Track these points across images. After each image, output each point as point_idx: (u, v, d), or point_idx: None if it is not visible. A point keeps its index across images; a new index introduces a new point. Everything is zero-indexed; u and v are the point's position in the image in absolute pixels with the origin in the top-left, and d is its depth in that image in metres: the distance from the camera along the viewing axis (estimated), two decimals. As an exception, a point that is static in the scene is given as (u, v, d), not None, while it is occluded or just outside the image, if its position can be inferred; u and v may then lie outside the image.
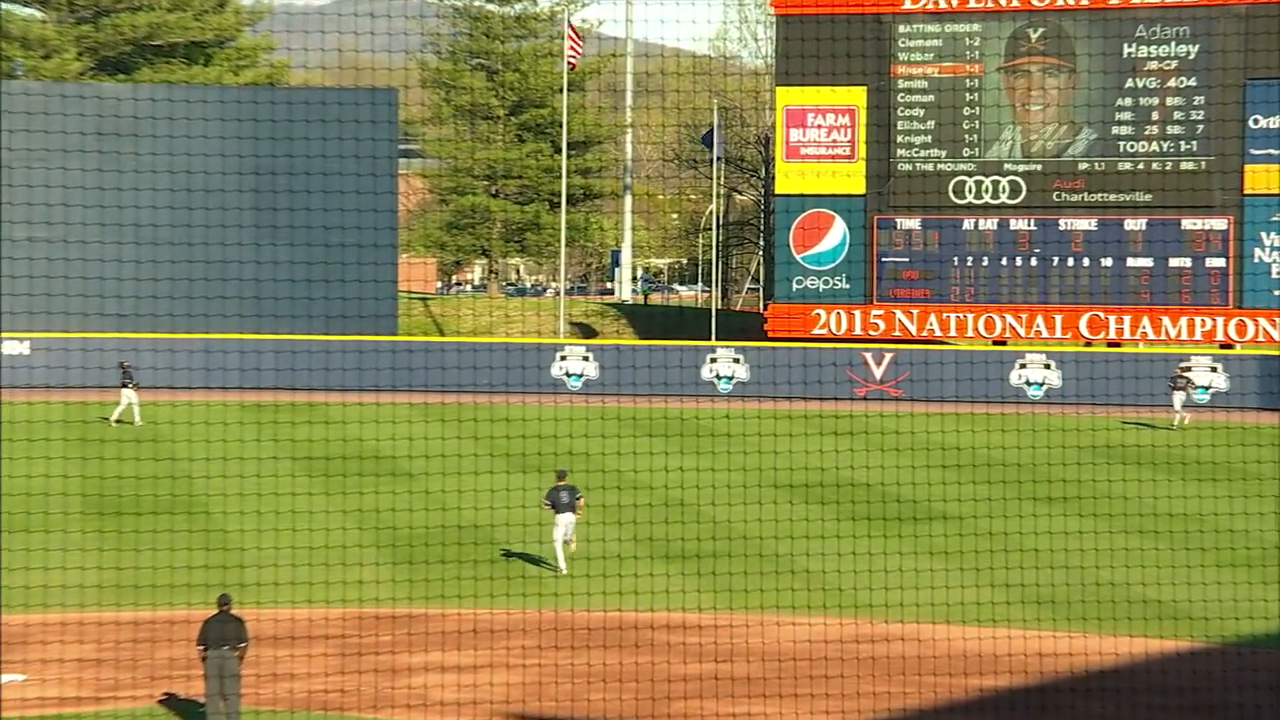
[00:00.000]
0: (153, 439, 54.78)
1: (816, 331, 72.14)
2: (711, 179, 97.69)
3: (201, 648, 24.15)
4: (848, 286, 72.34)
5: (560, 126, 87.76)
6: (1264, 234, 69.08)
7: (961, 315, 71.62)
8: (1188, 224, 69.82)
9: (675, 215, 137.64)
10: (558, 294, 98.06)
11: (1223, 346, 69.85)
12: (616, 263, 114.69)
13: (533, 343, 75.98)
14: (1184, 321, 69.82)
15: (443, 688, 26.98)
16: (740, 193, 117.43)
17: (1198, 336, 69.80)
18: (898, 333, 71.85)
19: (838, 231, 72.53)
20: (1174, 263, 69.85)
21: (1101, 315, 70.53)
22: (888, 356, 70.39)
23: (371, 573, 35.12)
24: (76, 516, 39.64)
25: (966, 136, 71.67)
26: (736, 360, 71.45)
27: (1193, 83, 69.60)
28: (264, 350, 65.72)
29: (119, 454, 41.32)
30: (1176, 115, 69.85)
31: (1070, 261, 70.69)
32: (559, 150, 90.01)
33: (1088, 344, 73.23)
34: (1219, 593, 31.87)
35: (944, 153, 71.83)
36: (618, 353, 71.78)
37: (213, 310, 68.79)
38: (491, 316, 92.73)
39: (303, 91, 78.54)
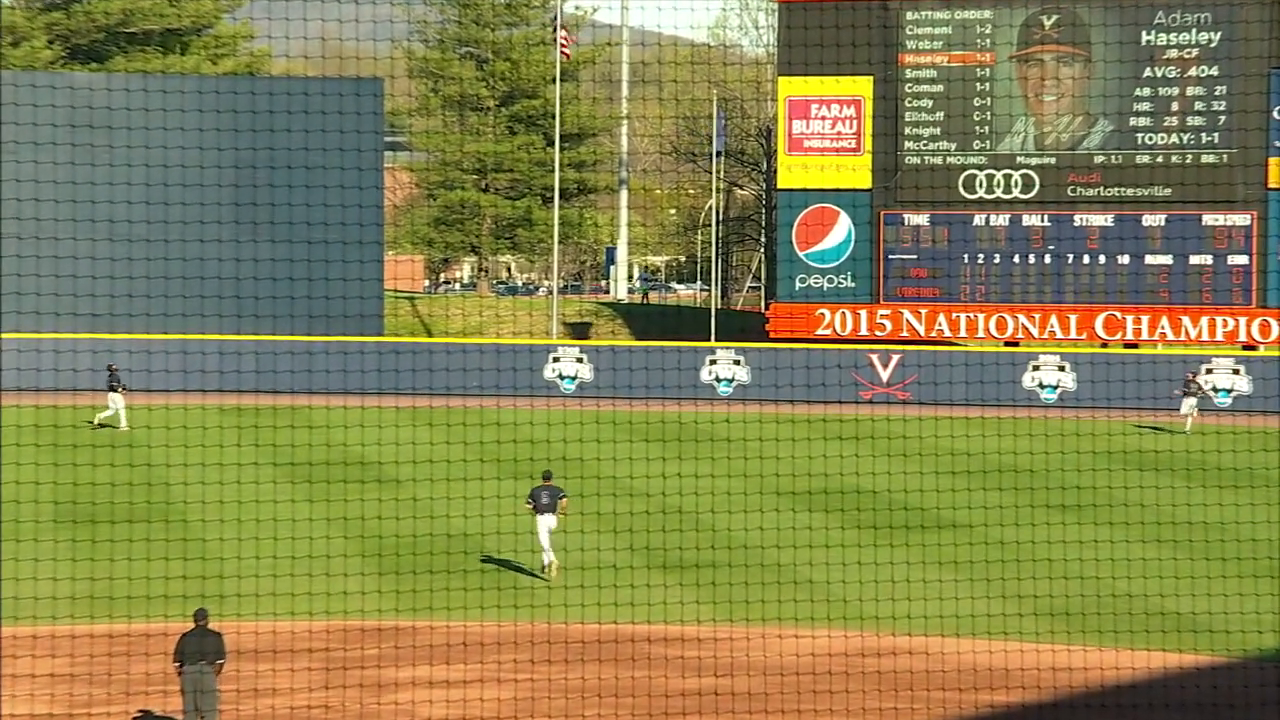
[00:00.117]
0: (128, 444, 54.77)
1: (820, 332, 72.19)
2: (711, 173, 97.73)
3: (177, 664, 24.18)
4: (853, 285, 72.38)
5: (553, 118, 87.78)
6: (1288, 230, 69.22)
7: (972, 315, 71.69)
8: (1209, 219, 69.90)
9: (673, 211, 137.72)
10: (550, 293, 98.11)
11: (1245, 348, 69.92)
12: (611, 260, 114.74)
13: (524, 344, 76.03)
14: (1204, 321, 69.90)
15: (430, 703, 27.02)
16: (741, 187, 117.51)
17: (1219, 337, 69.88)
18: (905, 333, 71.91)
19: (842, 228, 72.59)
20: (1194, 260, 69.94)
21: (1118, 315, 70.60)
22: (895, 358, 70.44)
23: (356, 583, 35.16)
24: (48, 525, 39.67)
25: (977, 128, 71.73)
26: (737, 362, 71.50)
27: (1214, 72, 69.69)
28: (244, 351, 65.72)
29: (92, 460, 41.29)
30: (1197, 106, 69.95)
31: (1085, 259, 70.76)
32: (552, 143, 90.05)
33: (1104, 345, 73.30)
34: (1240, 604, 31.93)
35: (954, 145, 71.89)
36: (613, 354, 71.79)
37: (190, 310, 68.77)
38: (481, 316, 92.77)
39: (284, 81, 78.57)
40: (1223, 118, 69.65)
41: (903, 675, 28.30)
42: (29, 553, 34.87)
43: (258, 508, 39.53)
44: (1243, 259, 69.63)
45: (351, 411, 62.73)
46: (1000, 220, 71.49)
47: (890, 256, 72.13)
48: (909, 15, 71.80)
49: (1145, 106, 70.38)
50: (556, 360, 72.22)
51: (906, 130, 72.05)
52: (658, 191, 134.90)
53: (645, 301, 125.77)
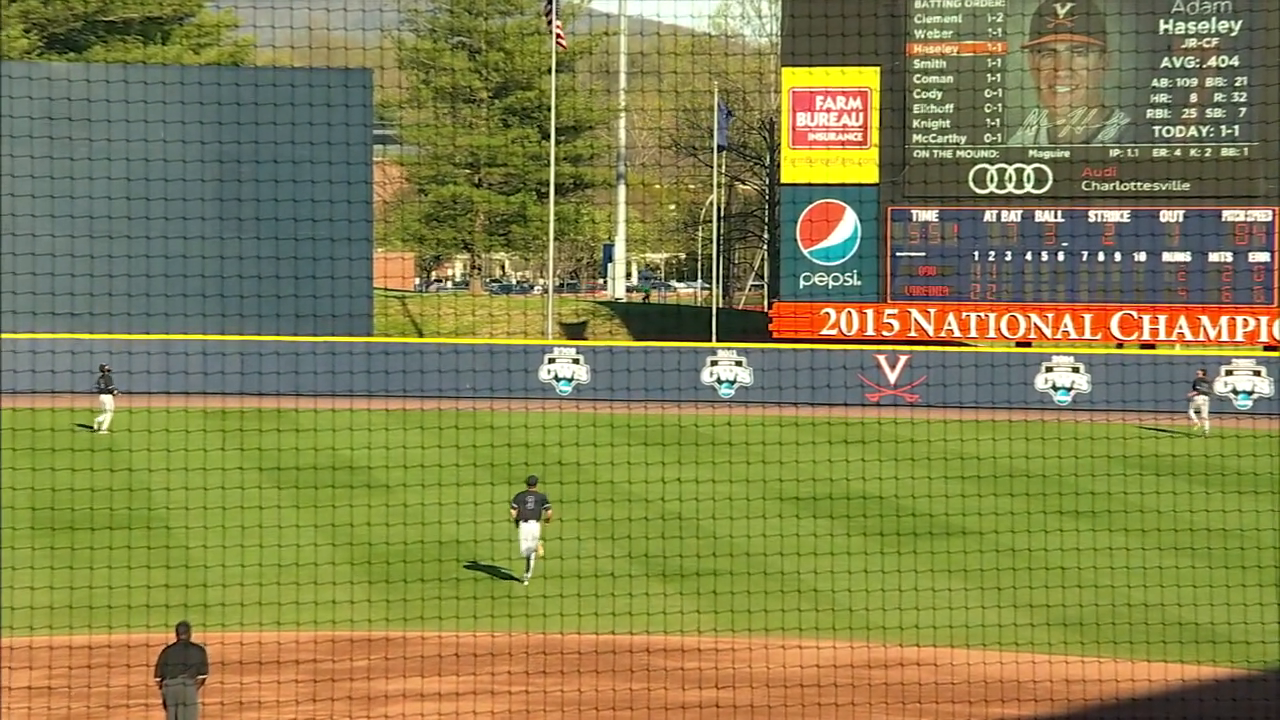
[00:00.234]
0: (108, 448, 54.82)
1: (825, 332, 72.25)
2: (712, 167, 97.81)
3: (158, 680, 24.23)
4: (859, 283, 72.44)
5: (548, 110, 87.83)
6: (1310, 226, 69.28)
7: (983, 314, 71.74)
8: (1229, 215, 69.96)
9: (673, 207, 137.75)
10: (545, 291, 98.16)
11: (1267, 348, 69.97)
12: (609, 258, 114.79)
13: (519, 344, 76.06)
14: (1224, 321, 69.95)
15: (422, 717, 27.05)
16: (743, 182, 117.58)
17: (1239, 338, 69.94)
18: (913, 333, 71.96)
19: (848, 224, 72.64)
20: (1214, 257, 70.00)
21: (1134, 314, 70.66)
22: (902, 359, 70.48)
23: (344, 592, 35.17)
24: (25, 532, 39.68)
25: (988, 121, 71.77)
26: (739, 363, 71.54)
27: (1235, 62, 69.75)
28: (228, 352, 65.76)
29: (71, 464, 41.31)
30: (1217, 97, 70.00)
31: (1101, 256, 70.81)
32: (547, 136, 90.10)
33: (1119, 345, 73.35)
34: (1261, 615, 31.98)
35: (964, 138, 71.94)
36: (610, 355, 71.83)
37: (172, 309, 68.81)
38: (474, 316, 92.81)
39: (269, 72, 78.53)
40: (1243, 109, 69.68)
41: (911, 688, 28.33)
42: (4, 561, 34.86)
43: (242, 514, 39.61)
44: (1264, 256, 69.69)
45: (339, 414, 62.72)
46: (1012, 216, 71.53)
47: (898, 254, 72.17)
48: (917, 3, 71.85)
49: (1163, 98, 70.43)
50: (552, 361, 72.26)
51: (915, 123, 72.10)
52: (657, 187, 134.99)
53: (648, 301, 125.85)
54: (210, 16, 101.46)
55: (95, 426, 59.61)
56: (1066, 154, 71.34)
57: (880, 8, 70.95)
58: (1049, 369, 69.90)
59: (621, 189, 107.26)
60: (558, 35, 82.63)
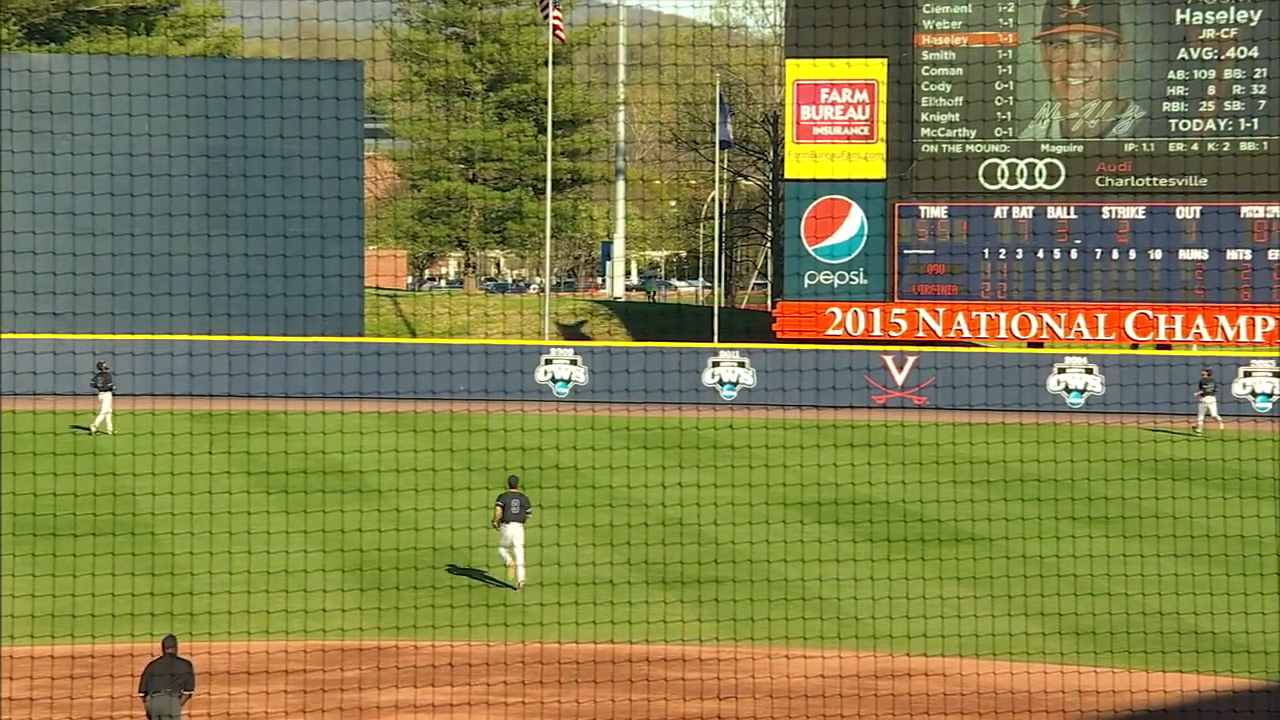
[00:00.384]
0: (91, 451, 54.87)
1: (830, 332, 72.31)
2: (714, 162, 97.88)
3: (142, 694, 24.31)
4: (865, 282, 72.50)
5: (545, 103, 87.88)
6: (1331, 223, 69.38)
7: (993, 314, 71.81)
8: (1247, 211, 70.05)
9: (673, 203, 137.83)
10: (542, 290, 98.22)
11: (1285, 349, 70.10)
12: (608, 256, 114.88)
13: (515, 345, 76.13)
14: (1242, 321, 70.02)
15: (415, 728, 27.11)
16: (746, 178, 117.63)
17: (1258, 338, 69.98)
18: (921, 333, 72.03)
19: (854, 221, 72.71)
20: (1231, 255, 70.07)
21: (1149, 314, 70.72)
22: (910, 360, 70.55)
23: (335, 600, 35.23)
24: (5, 539, 39.68)
25: (999, 114, 71.85)
26: (741, 364, 71.61)
27: (1254, 53, 69.81)
28: (216, 353, 65.83)
29: (53, 468, 41.30)
30: (1235, 90, 70.07)
31: (1115, 254, 70.88)
32: (543, 130, 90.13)
33: (1134, 346, 73.40)
34: (1279, 623, 32.01)
35: (973, 132, 72.01)
36: (609, 356, 71.92)
37: (158, 308, 68.85)
38: (469, 315, 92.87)
39: (257, 64, 78.65)
40: (1263, 102, 69.76)
41: (919, 698, 28.38)
42: (-14, 568, 34.89)
43: (230, 520, 39.61)
44: (1283, 254, 69.80)
45: (330, 417, 62.76)
46: (1023, 213, 71.59)
47: (905, 251, 72.24)
48: (926, -7, 71.93)
49: (1179, 90, 70.49)
50: (549, 362, 72.33)
51: (923, 116, 72.16)
52: (657, 182, 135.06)
53: (651, 300, 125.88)
54: (196, 6, 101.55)
55: (92, 429, 59.62)
56: (1080, 148, 71.41)
57: (887, -2, 70.99)
58: (1061, 370, 69.97)
59: (620, 184, 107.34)
60: (555, 26, 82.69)
